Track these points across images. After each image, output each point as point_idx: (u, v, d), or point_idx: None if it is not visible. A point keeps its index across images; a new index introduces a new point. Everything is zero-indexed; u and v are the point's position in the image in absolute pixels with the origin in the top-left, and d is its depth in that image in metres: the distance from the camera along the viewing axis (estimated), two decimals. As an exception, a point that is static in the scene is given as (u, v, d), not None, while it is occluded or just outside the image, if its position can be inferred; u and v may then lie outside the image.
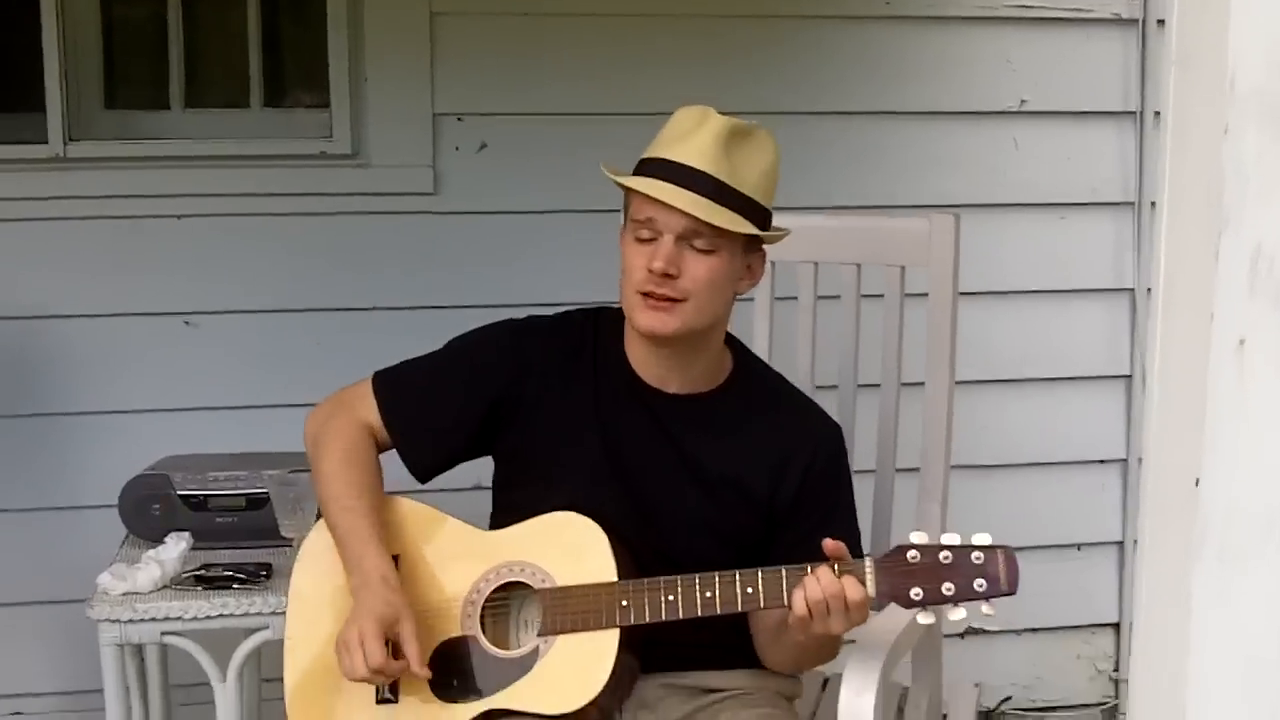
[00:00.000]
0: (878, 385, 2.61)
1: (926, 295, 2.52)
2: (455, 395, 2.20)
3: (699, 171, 2.04)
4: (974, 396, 3.39)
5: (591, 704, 2.03)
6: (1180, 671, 1.58)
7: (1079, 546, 3.54)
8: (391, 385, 2.24)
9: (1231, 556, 1.54)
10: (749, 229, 2.08)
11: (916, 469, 2.58)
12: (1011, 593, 1.91)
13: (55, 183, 3.12)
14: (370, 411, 2.23)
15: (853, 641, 2.13)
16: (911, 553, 1.93)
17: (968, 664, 3.44)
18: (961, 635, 3.55)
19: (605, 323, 2.22)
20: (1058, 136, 3.38)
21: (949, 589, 1.91)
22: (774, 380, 2.30)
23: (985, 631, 3.56)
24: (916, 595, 1.92)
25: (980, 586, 1.90)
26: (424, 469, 2.24)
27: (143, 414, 3.18)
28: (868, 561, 1.94)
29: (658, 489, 2.15)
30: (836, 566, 1.93)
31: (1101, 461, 3.47)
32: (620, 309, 2.18)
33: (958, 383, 2.62)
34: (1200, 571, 1.54)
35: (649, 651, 2.11)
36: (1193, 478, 1.53)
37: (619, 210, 2.18)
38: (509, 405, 2.18)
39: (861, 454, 2.63)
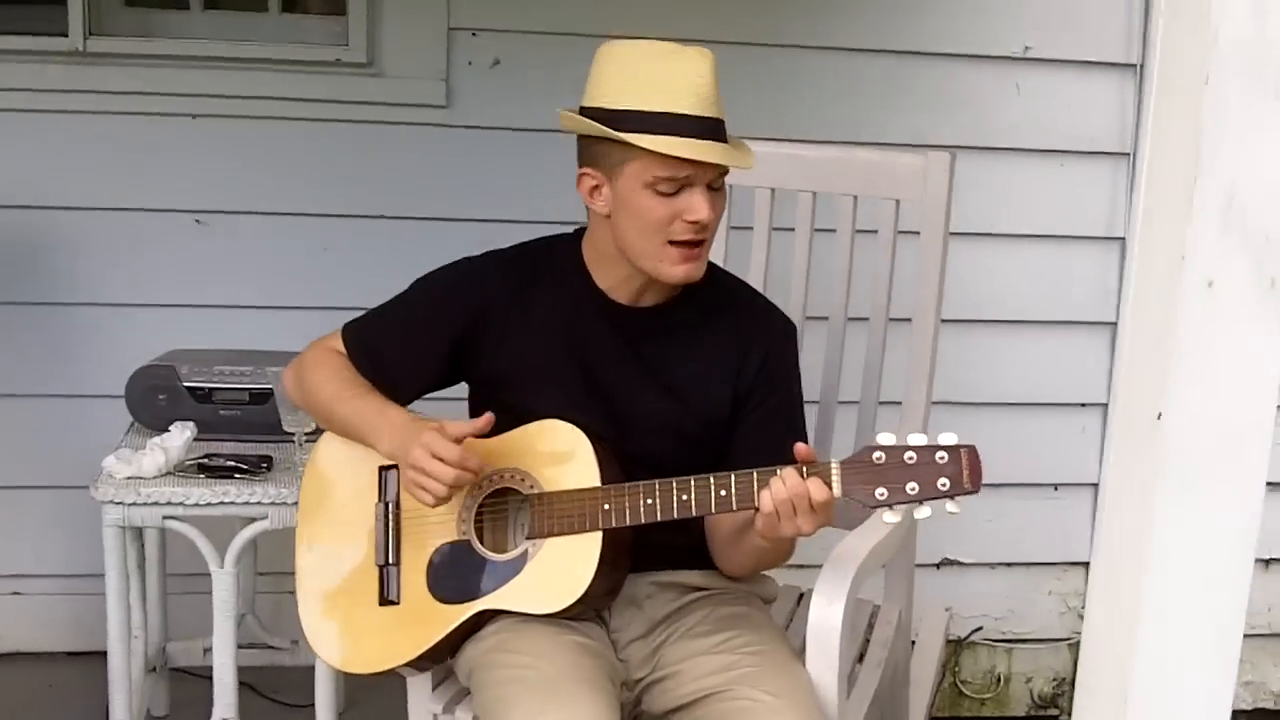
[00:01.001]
0: (868, 319, 2.68)
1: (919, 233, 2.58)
2: (421, 336, 2.26)
3: (715, 120, 2.09)
4: (963, 335, 3.45)
5: (577, 603, 2.11)
6: (1135, 593, 1.66)
7: (1056, 486, 3.60)
8: (360, 333, 2.30)
9: (1192, 486, 1.62)
10: (753, 160, 2.15)
11: (900, 403, 2.64)
12: (974, 490, 1.94)
13: (74, 76, 3.15)
14: (341, 350, 2.30)
15: (819, 567, 2.20)
16: (877, 454, 1.96)
17: (942, 594, 3.51)
18: (937, 566, 3.64)
19: (563, 247, 2.27)
20: (1060, 84, 3.40)
21: (913, 488, 1.94)
22: (730, 282, 2.36)
23: (960, 563, 3.66)
24: (881, 495, 1.95)
25: (944, 485, 1.93)
26: (392, 400, 2.28)
27: (152, 308, 3.24)
28: (834, 463, 1.98)
29: (630, 400, 2.22)
30: (805, 469, 1.98)
31: (1083, 405, 3.53)
32: (574, 234, 2.26)
33: (948, 321, 2.67)
34: (1161, 499, 1.62)
35: (640, 551, 2.19)
36: (1156, 411, 1.61)
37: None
38: (474, 338, 2.24)
39: (848, 386, 2.71)
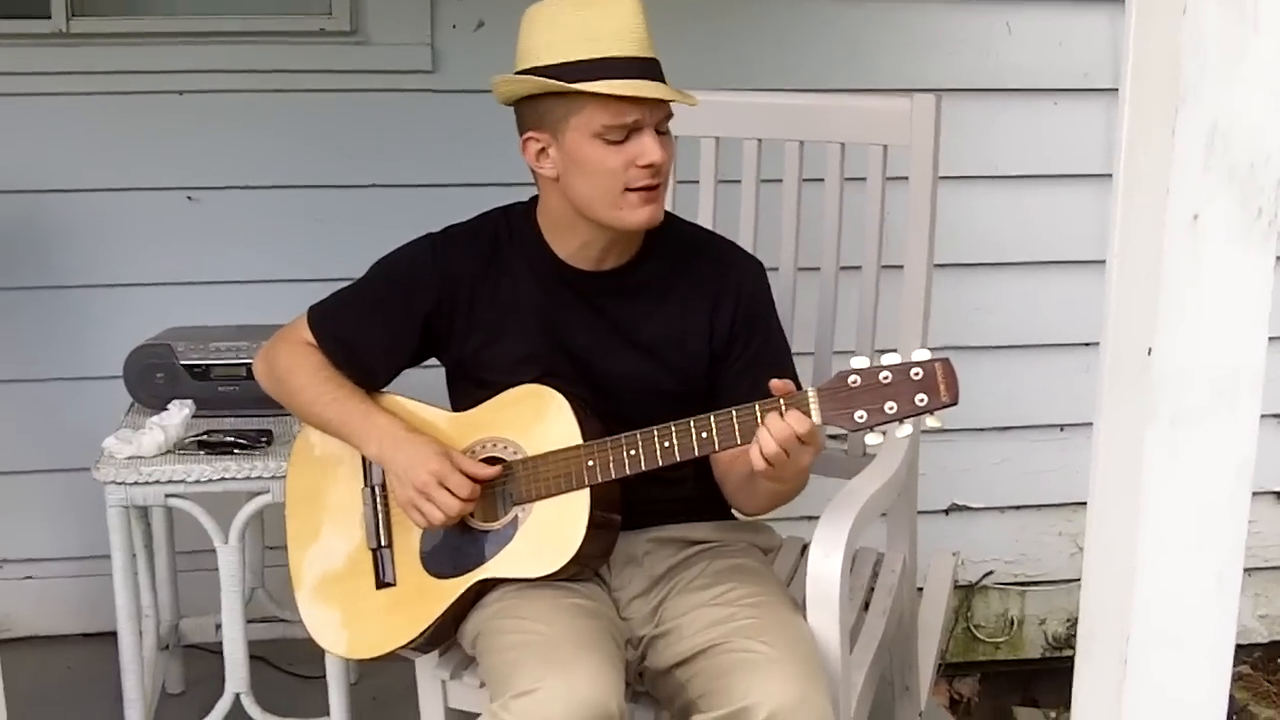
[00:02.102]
0: (860, 268, 2.67)
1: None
2: (390, 319, 2.25)
3: (650, 60, 2.08)
4: (962, 279, 3.45)
5: (570, 563, 2.12)
6: (1132, 529, 1.65)
7: (1061, 427, 3.59)
8: (325, 317, 2.29)
9: (1183, 420, 1.61)
10: (695, 98, 2.13)
11: (895, 351, 2.61)
12: (953, 402, 1.93)
13: (58, 58, 3.14)
14: (310, 339, 2.29)
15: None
16: (852, 377, 1.95)
17: (951, 539, 3.53)
18: (945, 512, 3.64)
19: (517, 217, 2.25)
20: (1050, 22, 3.37)
21: (891, 408, 1.93)
22: (688, 231, 2.34)
23: (968, 508, 3.66)
24: (861, 418, 1.94)
25: (921, 401, 1.92)
26: (369, 383, 2.29)
27: (146, 287, 3.24)
28: (810, 391, 1.97)
29: (605, 365, 2.21)
30: (782, 402, 1.97)
31: (1085, 344, 3.52)
32: (527, 203, 2.24)
33: (946, 265, 2.65)
34: (1153, 434, 1.61)
35: (634, 508, 2.19)
36: (1146, 346, 1.59)
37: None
38: (444, 316, 2.23)
39: (842, 336, 2.70)
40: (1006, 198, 3.48)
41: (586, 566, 2.19)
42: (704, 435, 2.02)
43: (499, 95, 2.15)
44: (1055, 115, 3.43)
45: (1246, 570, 1.68)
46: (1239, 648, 3.74)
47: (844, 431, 1.98)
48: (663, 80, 2.09)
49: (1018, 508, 3.69)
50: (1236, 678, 3.76)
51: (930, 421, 1.94)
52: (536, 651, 2.02)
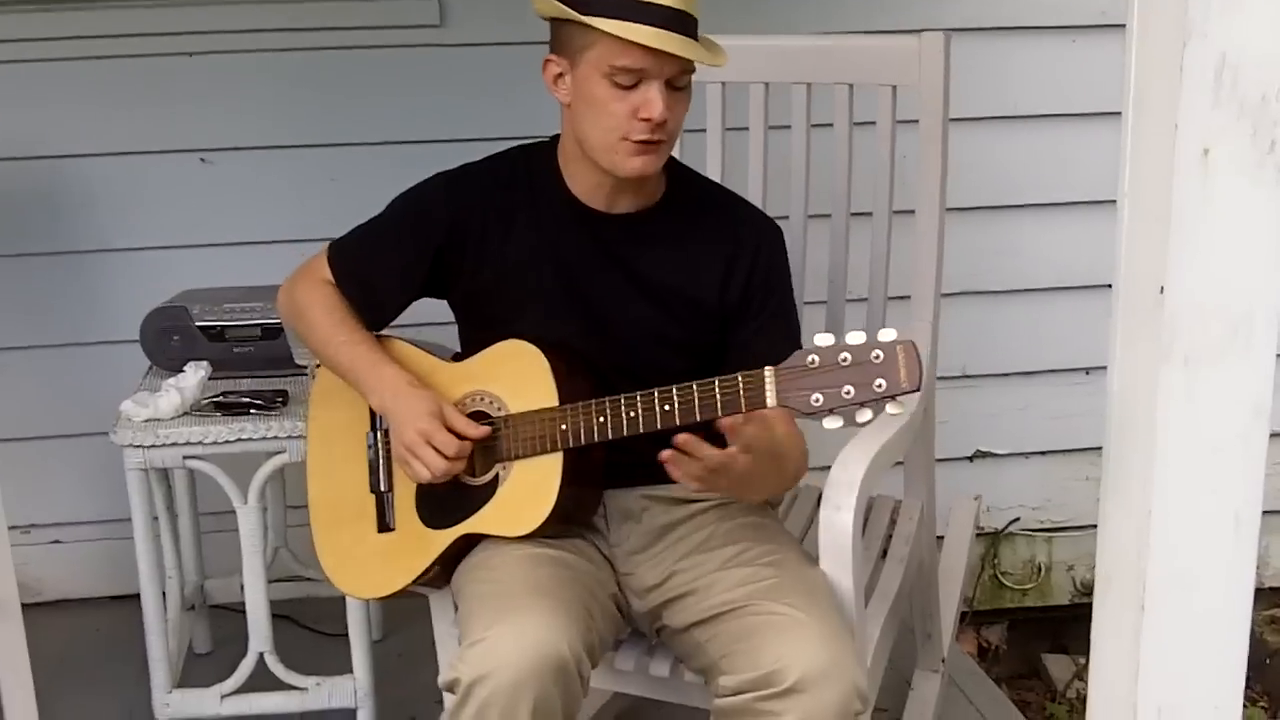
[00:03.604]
0: (871, 214, 2.63)
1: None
2: (400, 250, 2.25)
3: (684, 14, 2.03)
4: (982, 222, 3.41)
5: (545, 524, 2.11)
6: (1148, 471, 1.64)
7: (1087, 370, 3.56)
8: (342, 251, 2.30)
9: (1196, 359, 1.58)
10: (725, 58, 2.10)
11: (909, 297, 2.58)
12: (914, 389, 1.80)
13: (68, 22, 3.13)
14: (329, 275, 2.30)
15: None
16: (811, 357, 1.85)
17: (976, 486, 3.49)
18: (970, 459, 3.62)
19: (536, 155, 2.24)
20: (1067, -43, 3.34)
21: (849, 392, 1.82)
22: (710, 187, 2.33)
23: (993, 455, 3.64)
24: (817, 401, 1.84)
25: (880, 387, 1.80)
26: (377, 321, 2.30)
27: (160, 250, 3.24)
28: (767, 370, 1.89)
29: (612, 308, 2.19)
30: (740, 379, 1.91)
31: (1107, 285, 3.47)
32: (549, 141, 2.23)
33: (965, 209, 2.61)
34: (1167, 374, 1.59)
35: (624, 465, 2.16)
36: (1158, 284, 1.57)
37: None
38: (454, 250, 2.22)
39: (855, 283, 2.67)
40: (1025, 138, 3.44)
41: (570, 524, 2.18)
42: (666, 408, 1.99)
43: (534, 7, 2.13)
44: (1073, 52, 3.39)
45: (1275, 512, 1.65)
46: (1270, 590, 3.72)
47: (801, 414, 1.87)
48: (693, 38, 2.05)
49: (1043, 453, 3.66)
50: (1269, 621, 3.73)
51: (890, 409, 1.82)
52: (490, 601, 2.02)
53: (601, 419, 2.05)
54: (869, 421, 1.84)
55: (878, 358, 1.82)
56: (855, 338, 1.84)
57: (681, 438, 1.90)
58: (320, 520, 2.32)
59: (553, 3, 2.06)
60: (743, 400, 1.92)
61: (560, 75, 2.11)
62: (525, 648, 1.91)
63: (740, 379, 1.92)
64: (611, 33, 2.00)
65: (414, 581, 2.21)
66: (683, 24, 2.03)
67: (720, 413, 1.94)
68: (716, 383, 1.95)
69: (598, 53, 2.03)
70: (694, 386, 1.97)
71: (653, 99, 2.03)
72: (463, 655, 1.96)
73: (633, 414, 2.02)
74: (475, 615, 2.01)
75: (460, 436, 2.13)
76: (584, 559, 2.18)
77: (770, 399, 1.89)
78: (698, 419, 1.97)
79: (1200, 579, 1.65)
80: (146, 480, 2.66)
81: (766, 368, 1.89)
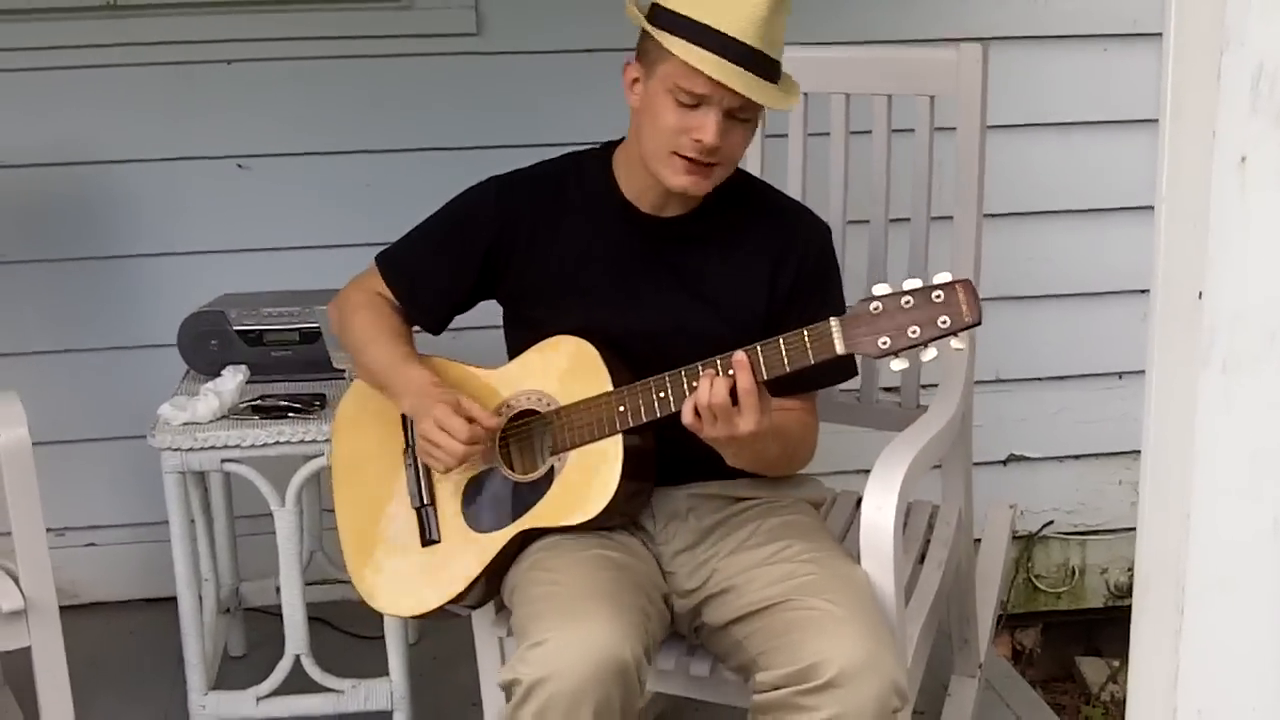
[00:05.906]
0: (909, 220, 2.65)
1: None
2: (449, 254, 2.28)
3: (751, 48, 2.04)
4: (1016, 228, 3.42)
5: (608, 507, 2.13)
6: (1186, 476, 1.63)
7: (1120, 375, 3.56)
8: (392, 259, 2.34)
9: (1235, 365, 1.58)
10: (795, 102, 2.14)
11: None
12: (976, 323, 1.90)
13: (108, 30, 3.16)
14: (380, 285, 2.34)
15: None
16: (874, 304, 1.93)
17: (1010, 490, 3.49)
18: (1004, 463, 3.63)
19: (589, 160, 2.28)
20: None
21: (915, 331, 1.91)
22: (760, 188, 2.34)
23: (1027, 458, 3.63)
24: (884, 344, 1.92)
25: (944, 323, 1.90)
26: (431, 324, 2.35)
27: (198, 255, 3.27)
28: (833, 320, 1.95)
29: (660, 308, 2.21)
30: (806, 332, 1.96)
31: (1142, 291, 3.45)
32: (602, 147, 2.27)
33: (998, 215, 2.62)
34: (1205, 380, 1.59)
35: (672, 464, 2.19)
36: (1196, 290, 1.57)
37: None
38: (503, 253, 2.25)
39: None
40: (1058, 145, 3.45)
41: (624, 516, 2.20)
42: (730, 373, 2.00)
43: (627, 12, 2.17)
44: (1105, 61, 3.39)
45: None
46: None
47: (870, 357, 1.95)
48: (765, 77, 2.06)
49: (1076, 457, 3.67)
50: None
51: (954, 344, 1.92)
52: (554, 603, 2.03)
53: (662, 394, 2.07)
54: (934, 359, 1.93)
55: (939, 297, 1.91)
56: (912, 283, 1.93)
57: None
58: (356, 548, 2.33)
59: (634, 10, 2.11)
60: (810, 351, 1.97)
61: (636, 80, 2.15)
62: (589, 652, 1.92)
63: (805, 332, 1.97)
64: (678, 54, 2.03)
65: (466, 590, 2.21)
66: (755, 62, 2.05)
67: (787, 368, 1.99)
68: (781, 339, 1.98)
69: (668, 69, 2.07)
70: (758, 347, 2.00)
71: (708, 124, 2.06)
72: (524, 656, 1.97)
73: (694, 383, 2.03)
74: (538, 616, 2.02)
75: (470, 421, 2.15)
76: (638, 559, 2.20)
77: (839, 346, 1.95)
78: (764, 378, 1.99)
79: (1239, 583, 1.65)
80: (184, 483, 2.68)
81: (831, 318, 1.96)
